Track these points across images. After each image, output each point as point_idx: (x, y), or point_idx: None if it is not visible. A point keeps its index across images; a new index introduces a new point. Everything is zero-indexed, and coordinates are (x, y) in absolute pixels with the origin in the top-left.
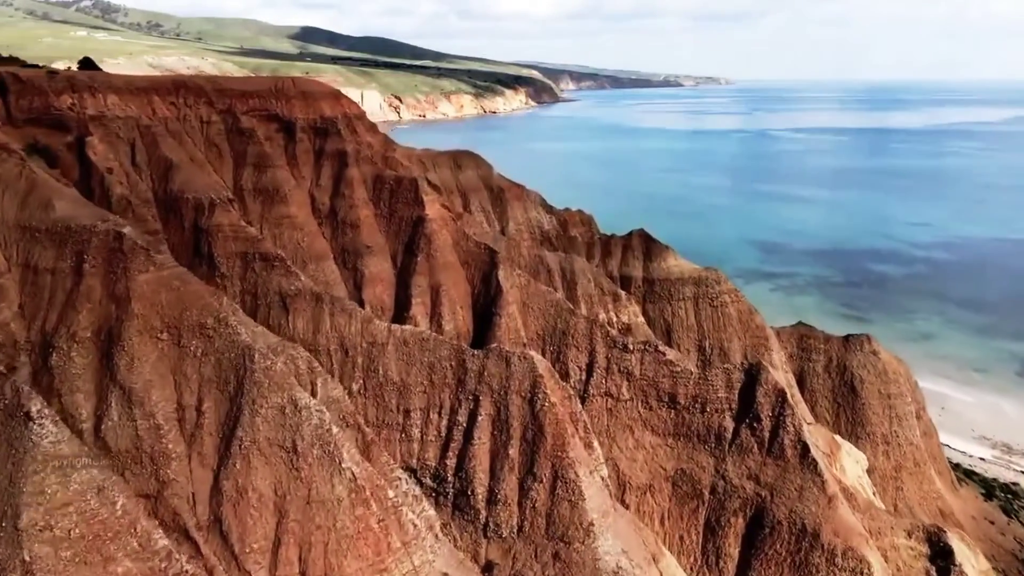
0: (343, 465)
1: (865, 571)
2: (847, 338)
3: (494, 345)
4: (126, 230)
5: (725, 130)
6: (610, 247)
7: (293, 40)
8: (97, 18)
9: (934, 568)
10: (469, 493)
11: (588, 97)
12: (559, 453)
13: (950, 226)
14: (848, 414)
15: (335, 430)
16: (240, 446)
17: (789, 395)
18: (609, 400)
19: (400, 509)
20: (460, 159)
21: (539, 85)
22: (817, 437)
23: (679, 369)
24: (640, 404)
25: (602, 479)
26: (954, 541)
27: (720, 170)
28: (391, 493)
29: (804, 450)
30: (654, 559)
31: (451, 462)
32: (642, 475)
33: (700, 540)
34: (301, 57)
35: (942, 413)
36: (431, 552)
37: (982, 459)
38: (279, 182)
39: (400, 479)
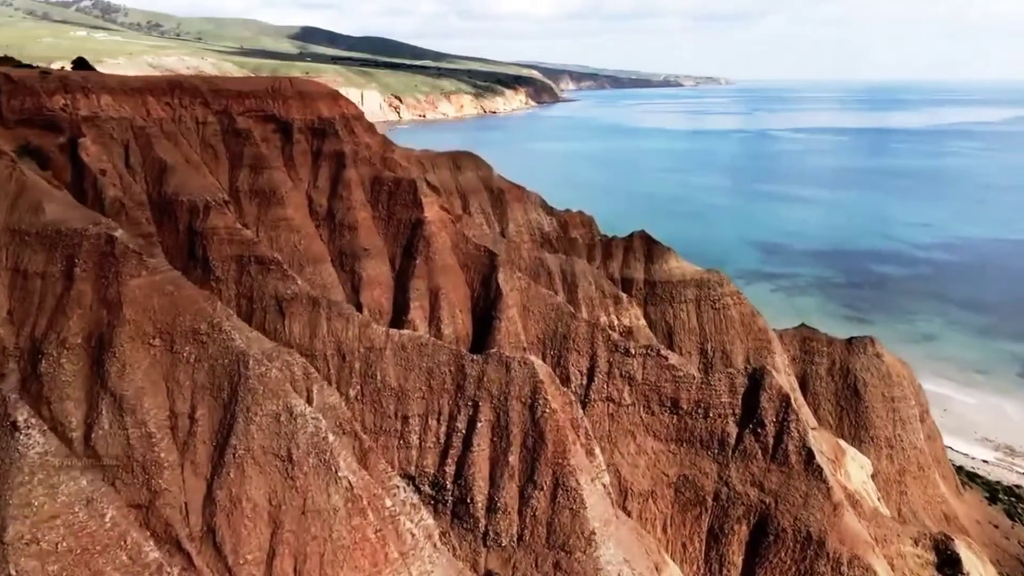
0: (339, 474)
1: None
2: (850, 340)
3: (494, 350)
4: (118, 233)
5: (725, 130)
6: (611, 249)
7: (293, 40)
8: (97, 18)
9: None
10: (468, 501)
11: (588, 97)
12: (560, 460)
13: (951, 226)
14: (851, 417)
15: (331, 438)
16: (234, 455)
17: (793, 399)
18: (611, 405)
19: (398, 518)
20: (459, 160)
21: (539, 85)
22: (821, 442)
23: (682, 373)
24: (642, 409)
25: (604, 486)
26: (961, 549)
27: (720, 170)
28: (388, 502)
29: (809, 456)
30: (657, 568)
31: (450, 469)
32: (644, 481)
33: (703, 548)
34: (301, 57)
35: (944, 415)
36: (429, 562)
37: (985, 461)
38: (276, 184)
39: (398, 487)
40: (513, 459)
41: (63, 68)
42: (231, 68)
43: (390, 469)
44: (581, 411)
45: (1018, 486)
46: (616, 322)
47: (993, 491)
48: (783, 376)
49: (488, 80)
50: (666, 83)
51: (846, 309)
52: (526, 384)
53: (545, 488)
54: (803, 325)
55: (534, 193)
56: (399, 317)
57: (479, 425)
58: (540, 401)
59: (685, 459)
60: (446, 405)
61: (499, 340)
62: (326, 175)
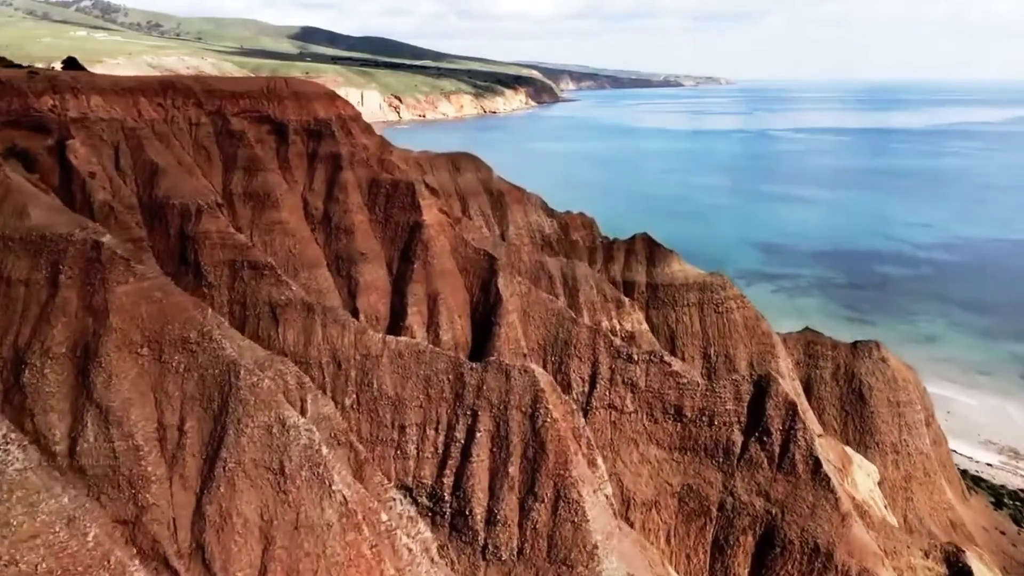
0: (333, 488)
1: None
2: (855, 344)
3: (493, 358)
4: (105, 239)
5: (725, 130)
6: (612, 251)
7: (293, 40)
8: (97, 18)
9: None
10: (467, 513)
11: (588, 97)
12: (561, 471)
13: (952, 227)
14: (856, 422)
15: (325, 450)
16: (224, 468)
17: (799, 407)
18: (613, 413)
19: (394, 533)
20: (459, 161)
21: (539, 85)
22: (828, 450)
23: (685, 380)
24: (645, 417)
25: (606, 498)
26: (973, 561)
27: (720, 170)
28: (384, 516)
29: (816, 465)
30: None
31: (448, 480)
32: (647, 491)
33: (708, 559)
34: (301, 57)
35: (947, 417)
36: None
37: (989, 464)
38: (270, 186)
39: (395, 500)
40: (513, 470)
41: (53, 68)
42: (231, 68)
43: (386, 481)
44: (583, 420)
45: (1023, 490)
46: (618, 327)
47: (998, 495)
48: (787, 381)
49: (488, 80)
50: (666, 83)
51: (847, 310)
52: (526, 393)
53: (546, 500)
54: (807, 329)
55: (534, 195)
56: (396, 323)
57: (478, 435)
58: (541, 410)
59: (689, 468)
60: (444, 414)
61: (499, 346)
62: (322, 177)
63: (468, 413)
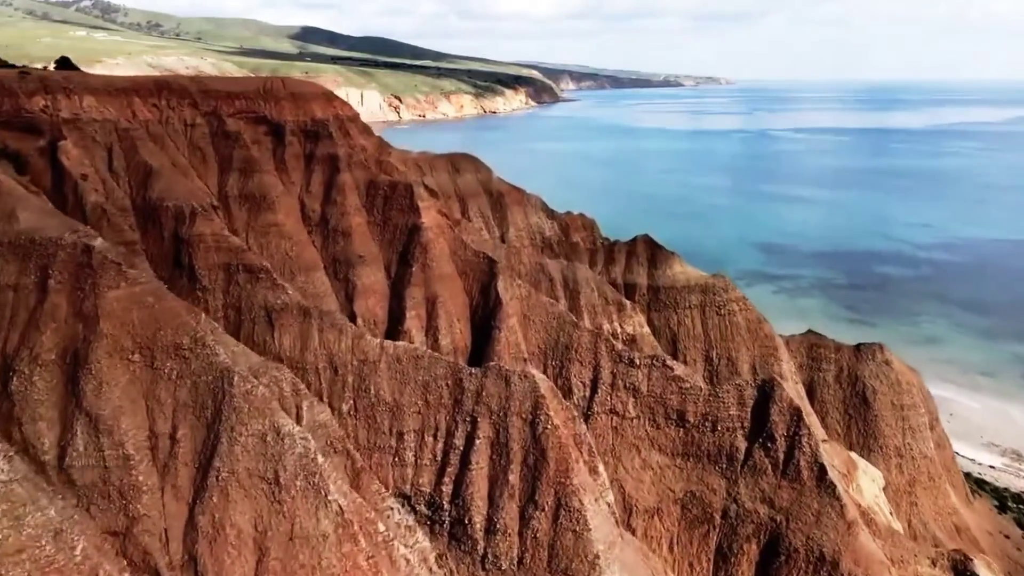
0: (329, 498)
1: None
2: (858, 347)
3: (493, 363)
4: (96, 243)
5: (725, 130)
6: (613, 253)
7: (293, 40)
8: (97, 18)
9: None
10: (466, 522)
11: (588, 97)
12: (562, 479)
13: (952, 227)
14: (860, 426)
15: (320, 459)
16: (217, 477)
17: (804, 412)
18: (614, 418)
19: (391, 543)
20: (458, 162)
21: (539, 85)
22: (833, 456)
23: (688, 385)
24: (647, 422)
25: (608, 505)
26: (981, 569)
27: (721, 170)
28: (381, 527)
29: (821, 472)
30: None
31: (447, 488)
32: (649, 498)
33: (711, 568)
34: (301, 57)
35: (950, 419)
36: None
37: (992, 467)
38: (266, 188)
39: (392, 509)
40: (513, 478)
41: (45, 68)
42: (231, 68)
43: (384, 490)
44: (584, 426)
45: None
46: (619, 330)
47: (1002, 498)
48: (790, 384)
49: (488, 80)
50: (666, 83)
51: (848, 311)
52: (527, 399)
53: (547, 508)
54: (810, 331)
55: (535, 196)
56: (395, 327)
57: (477, 442)
58: (541, 417)
59: (692, 474)
60: (443, 421)
61: (499, 351)
62: (319, 179)
63: (467, 419)
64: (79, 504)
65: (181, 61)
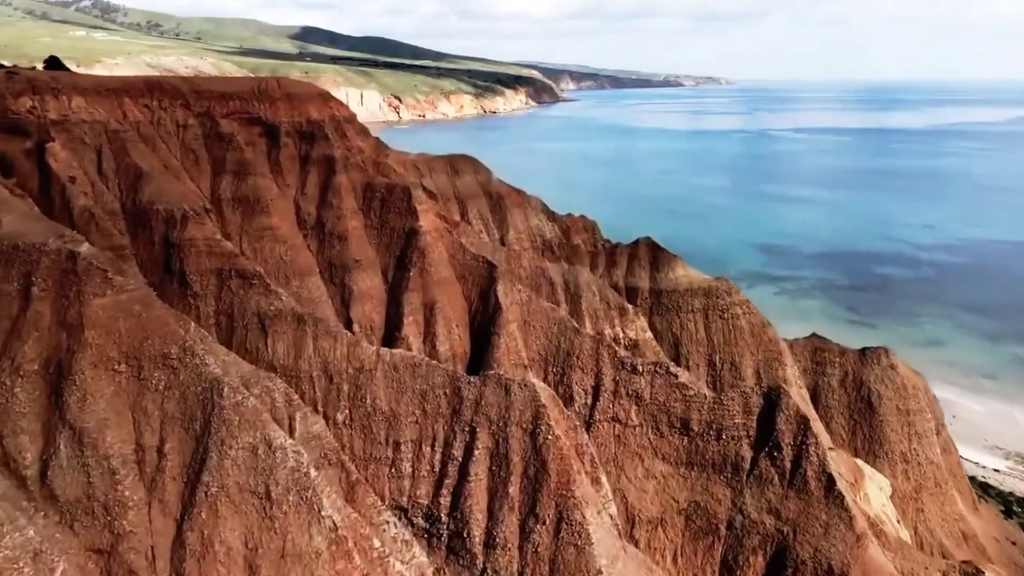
0: (323, 513)
1: None
2: (863, 351)
3: (492, 372)
4: (82, 248)
5: (725, 130)
6: (615, 256)
7: (293, 40)
8: (96, 18)
9: None
10: (465, 535)
11: (588, 97)
12: (564, 492)
13: (953, 228)
14: (865, 431)
15: (313, 473)
16: (206, 492)
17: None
18: (617, 426)
19: (387, 560)
20: (457, 164)
21: (539, 85)
22: (840, 464)
23: (692, 392)
24: (650, 430)
25: (611, 518)
26: None
27: (721, 171)
28: (377, 542)
29: (830, 482)
30: None
31: (445, 500)
32: (652, 508)
33: None
34: (301, 57)
35: (953, 422)
36: None
37: (996, 470)
38: (260, 191)
39: (388, 523)
40: (513, 490)
41: (35, 68)
42: (231, 68)
43: (379, 503)
44: (586, 436)
45: None
46: (621, 335)
47: (1007, 503)
48: (795, 389)
49: (488, 80)
50: (666, 83)
51: (849, 312)
52: (527, 408)
53: (548, 522)
54: (814, 335)
55: (535, 197)
56: (392, 333)
57: (476, 452)
58: (542, 427)
59: (696, 484)
60: (441, 431)
61: (498, 357)
62: (315, 181)
63: (466, 429)
64: (62, 521)
65: (181, 61)
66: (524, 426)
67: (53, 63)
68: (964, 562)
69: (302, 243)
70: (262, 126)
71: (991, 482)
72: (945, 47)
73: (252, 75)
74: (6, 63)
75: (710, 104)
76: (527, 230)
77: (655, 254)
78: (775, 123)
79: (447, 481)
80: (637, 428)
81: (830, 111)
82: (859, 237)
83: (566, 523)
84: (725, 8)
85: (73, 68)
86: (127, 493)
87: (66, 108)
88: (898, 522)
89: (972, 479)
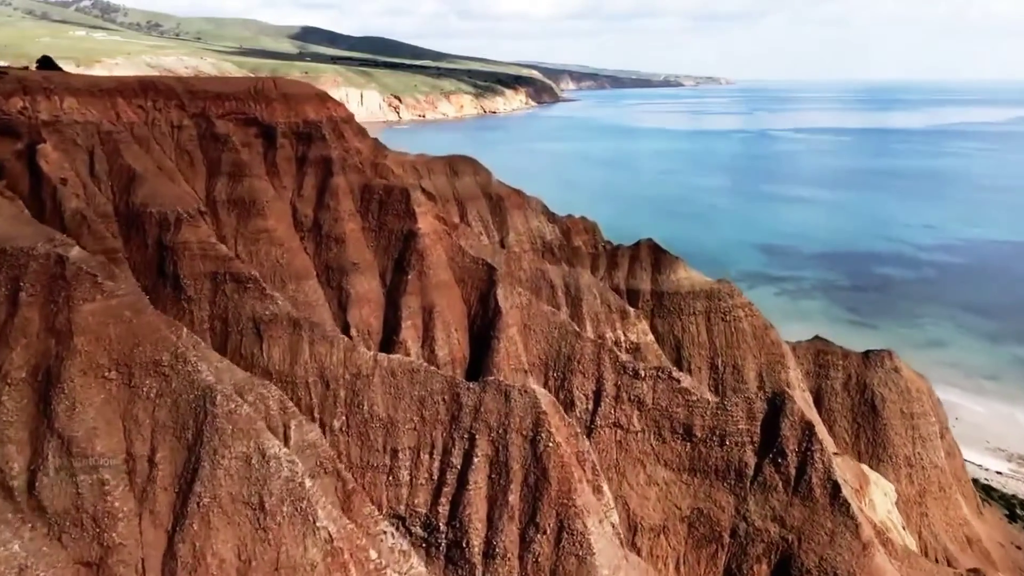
0: (318, 524)
1: None
2: (867, 354)
3: (492, 378)
4: (71, 253)
5: (725, 130)
6: (616, 258)
7: (293, 40)
8: (96, 18)
9: None
10: (464, 544)
11: (588, 97)
12: (565, 500)
13: (955, 228)
14: (869, 435)
15: (308, 483)
16: (199, 503)
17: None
18: (618, 432)
19: (384, 572)
20: (457, 165)
21: (539, 85)
22: (845, 470)
23: (695, 397)
24: (652, 436)
25: (612, 526)
26: None
27: (721, 171)
28: (373, 553)
29: (835, 489)
30: None
31: (444, 509)
32: (655, 515)
33: None
34: (301, 57)
35: (955, 424)
36: None
37: (999, 473)
38: (256, 192)
39: (385, 533)
40: (513, 498)
41: (27, 68)
42: (230, 68)
43: (376, 512)
44: (588, 443)
45: None
46: (623, 338)
47: (1010, 506)
48: (798, 392)
49: (488, 80)
50: (666, 83)
51: (850, 313)
52: (527, 415)
53: (548, 531)
54: (817, 337)
55: (535, 199)
56: (390, 337)
57: (476, 460)
58: (543, 434)
59: (699, 491)
60: (439, 438)
61: (498, 362)
62: (312, 183)
63: (465, 436)
64: (50, 533)
65: (180, 61)
66: (524, 433)
67: (46, 63)
68: (971, 570)
69: (298, 246)
70: (258, 127)
71: (994, 485)
72: (945, 47)
73: (252, 75)
74: (5, 63)
75: (710, 104)
76: (527, 232)
77: (657, 256)
78: (775, 123)
79: (446, 489)
80: (639, 434)
81: (830, 111)
82: (859, 237)
83: (567, 532)
84: (725, 8)
85: (73, 68)
86: (117, 504)
87: (58, 109)
88: (903, 528)
89: (975, 482)
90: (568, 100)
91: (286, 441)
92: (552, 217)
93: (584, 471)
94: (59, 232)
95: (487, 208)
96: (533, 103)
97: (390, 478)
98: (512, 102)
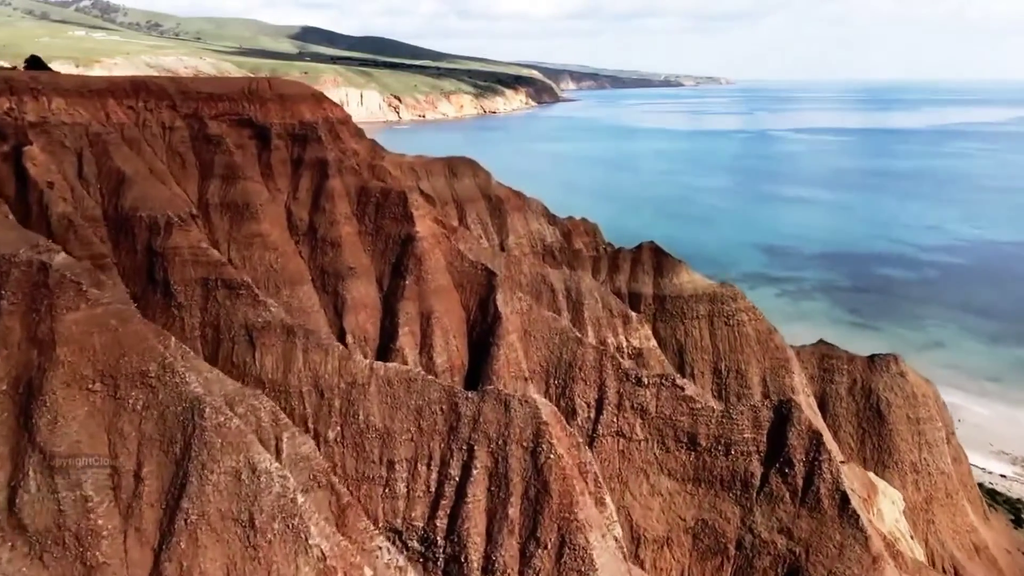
0: (310, 542)
1: None
2: (872, 358)
3: (491, 387)
4: (56, 259)
5: (726, 130)
6: (618, 261)
7: (293, 40)
8: (96, 17)
9: None
10: (462, 560)
11: (588, 97)
12: (566, 514)
13: (956, 228)
14: (874, 441)
15: (300, 499)
16: (186, 520)
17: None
18: (621, 440)
19: None
20: (456, 166)
21: (539, 85)
22: (853, 479)
23: (700, 406)
24: (656, 445)
25: (616, 540)
26: None
27: (721, 171)
28: (368, 571)
29: (844, 501)
30: None
31: (441, 523)
32: (658, 526)
33: None
34: (300, 57)
35: (958, 426)
36: None
37: (1003, 476)
38: (250, 195)
39: (380, 549)
40: (513, 512)
41: (15, 68)
42: (230, 68)
43: (372, 527)
44: (590, 454)
45: None
46: (625, 343)
47: (1016, 510)
48: (802, 397)
49: (488, 80)
50: (666, 83)
51: (852, 315)
52: (528, 426)
53: (550, 546)
54: (821, 341)
55: (535, 200)
56: (387, 344)
57: (474, 472)
58: (544, 445)
59: (704, 501)
60: (437, 449)
61: (498, 369)
62: (307, 185)
63: (463, 448)
64: (30, 552)
65: (180, 61)
66: (524, 444)
67: (35, 63)
68: None
69: (293, 250)
70: (252, 128)
71: (999, 489)
72: (945, 47)
73: (252, 75)
74: (5, 63)
75: (710, 104)
76: (527, 234)
77: (659, 259)
78: (775, 123)
79: (443, 502)
80: (642, 443)
81: (830, 111)
82: (860, 238)
83: (569, 547)
84: (725, 8)
85: (72, 68)
86: (101, 522)
87: (45, 109)
88: (911, 538)
89: (980, 486)
90: (568, 100)
91: (278, 454)
92: (553, 219)
93: (586, 483)
94: (44, 237)
95: (487, 210)
96: (533, 103)
97: (386, 490)
98: (512, 102)
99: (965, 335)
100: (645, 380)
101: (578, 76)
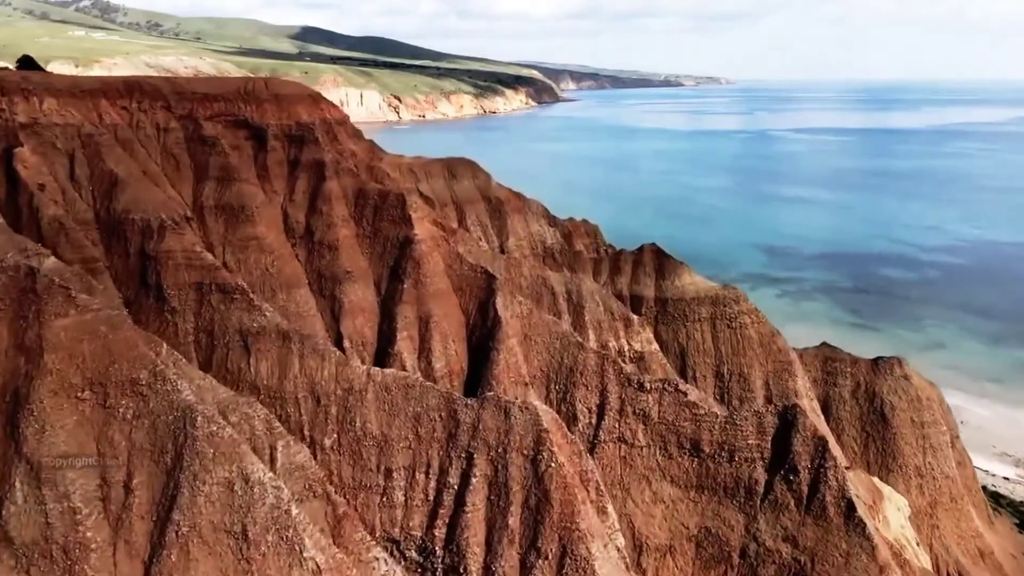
0: (304, 554)
1: None
2: (876, 361)
3: (491, 394)
4: (45, 263)
5: (726, 131)
6: (619, 263)
7: (293, 40)
8: (96, 17)
9: None
10: (461, 570)
11: (588, 97)
12: (568, 524)
13: (956, 229)
14: (878, 445)
15: (295, 510)
16: (177, 532)
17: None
18: (623, 447)
19: None
20: (455, 167)
21: (539, 85)
22: (858, 486)
23: (703, 411)
24: (658, 451)
25: (618, 550)
26: None
27: (721, 171)
28: None
29: (850, 508)
30: None
31: (440, 532)
32: (661, 534)
33: None
34: (300, 57)
35: (961, 427)
36: None
37: (1006, 478)
38: (245, 198)
39: (378, 560)
40: (513, 521)
41: (6, 68)
42: (230, 68)
43: (368, 538)
44: (591, 462)
45: None
46: (626, 347)
47: (1020, 514)
48: (805, 400)
49: (488, 80)
50: (666, 83)
51: (853, 316)
52: (528, 433)
53: (550, 556)
54: (824, 344)
55: (535, 202)
56: (385, 348)
57: (474, 480)
58: (544, 453)
59: (707, 509)
60: (436, 457)
61: (497, 374)
62: (304, 187)
63: (463, 456)
64: (17, 566)
65: (180, 61)
66: (525, 452)
67: (27, 63)
68: None
69: (290, 253)
70: (248, 129)
71: (1002, 491)
72: (945, 47)
73: (251, 75)
74: (4, 64)
75: (710, 104)
76: (528, 236)
77: (660, 261)
78: (775, 123)
79: (442, 511)
80: (644, 449)
81: (830, 111)
82: (861, 238)
83: (570, 558)
84: (725, 8)
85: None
86: (89, 534)
87: (37, 110)
88: (917, 544)
89: (983, 489)
90: (568, 100)
91: (272, 463)
92: (553, 220)
93: (588, 492)
94: (34, 241)
95: (486, 212)
96: (533, 103)
97: (384, 499)
98: (512, 102)
99: (966, 336)
100: (647, 385)
101: (578, 76)
